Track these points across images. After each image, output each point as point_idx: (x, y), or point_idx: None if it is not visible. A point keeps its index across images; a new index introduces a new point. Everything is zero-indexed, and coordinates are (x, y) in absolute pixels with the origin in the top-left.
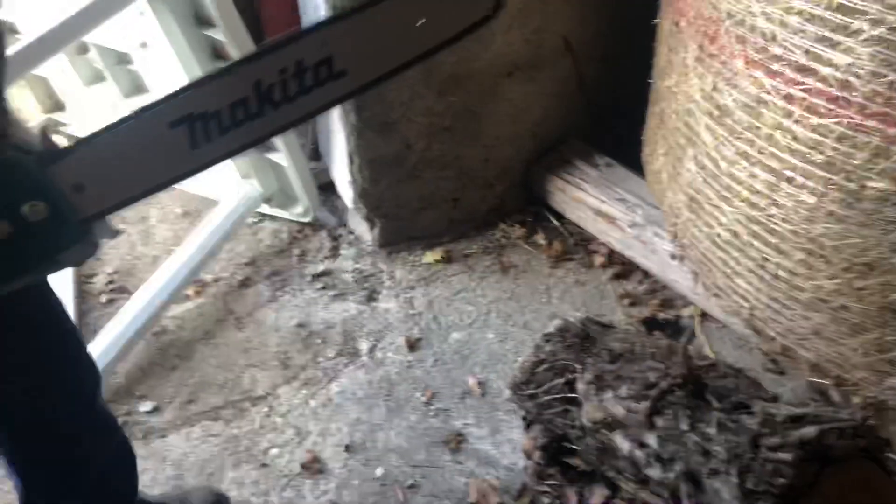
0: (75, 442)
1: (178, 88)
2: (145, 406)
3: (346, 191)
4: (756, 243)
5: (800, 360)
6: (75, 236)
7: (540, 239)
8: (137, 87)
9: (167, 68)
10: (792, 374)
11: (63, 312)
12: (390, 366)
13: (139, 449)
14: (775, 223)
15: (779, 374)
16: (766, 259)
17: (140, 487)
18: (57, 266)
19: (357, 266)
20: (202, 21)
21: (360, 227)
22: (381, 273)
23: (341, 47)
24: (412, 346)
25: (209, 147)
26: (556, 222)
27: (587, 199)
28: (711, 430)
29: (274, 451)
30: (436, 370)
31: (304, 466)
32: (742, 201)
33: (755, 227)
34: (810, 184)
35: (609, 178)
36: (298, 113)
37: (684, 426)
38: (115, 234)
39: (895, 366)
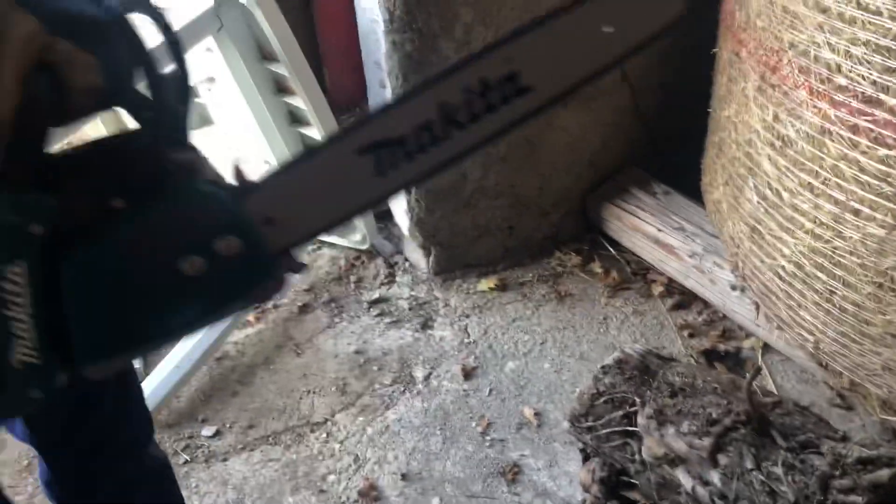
0: (125, 487)
1: (364, 116)
2: (207, 430)
3: (402, 219)
4: (821, 276)
5: (869, 397)
6: (267, 271)
7: (596, 267)
8: (203, 120)
9: (232, 101)
10: (860, 411)
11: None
12: (446, 394)
13: (201, 472)
14: (841, 255)
15: (846, 410)
16: (833, 292)
17: None
18: (247, 303)
19: (413, 293)
20: (266, 56)
21: (416, 254)
22: (437, 301)
23: (526, 62)
24: (468, 374)
25: (395, 174)
26: (612, 251)
27: (644, 228)
28: (778, 470)
29: (332, 477)
30: (491, 399)
31: (360, 494)
32: (806, 233)
33: (820, 259)
34: (878, 216)
35: (667, 206)
36: (485, 134)
37: (749, 465)
38: (302, 267)
39: None
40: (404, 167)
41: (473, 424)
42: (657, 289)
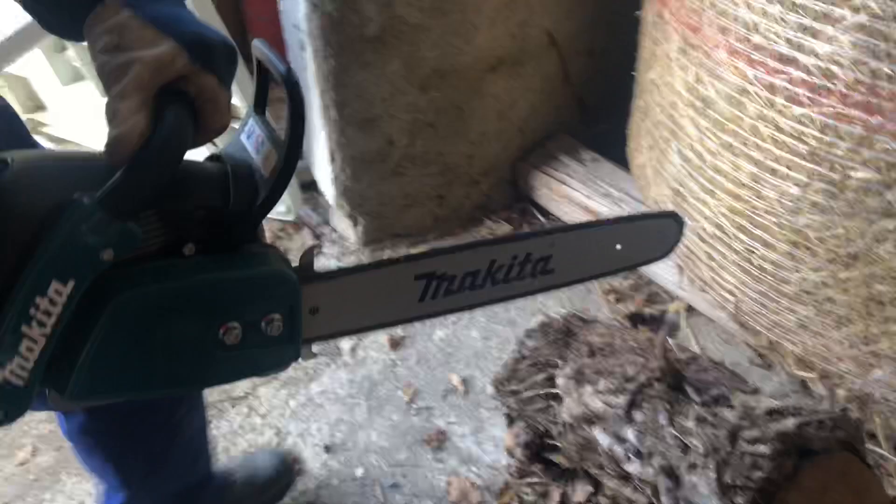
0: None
1: (434, 250)
2: None
3: (328, 188)
4: (741, 236)
5: (786, 354)
6: (293, 356)
7: None
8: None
9: None
10: (778, 369)
11: None
12: (372, 365)
13: None
14: (760, 215)
15: (765, 369)
16: (752, 251)
17: None
18: (258, 375)
19: (340, 264)
20: None
21: (343, 225)
22: None
23: (560, 251)
24: (395, 344)
25: (433, 303)
26: (542, 219)
27: (573, 195)
28: (690, 424)
29: (253, 451)
30: (419, 368)
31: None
32: (726, 194)
33: (740, 220)
34: (794, 174)
35: (595, 173)
36: (508, 293)
37: (663, 420)
38: (313, 356)
39: (880, 358)
40: (441, 299)
41: (399, 393)
42: None
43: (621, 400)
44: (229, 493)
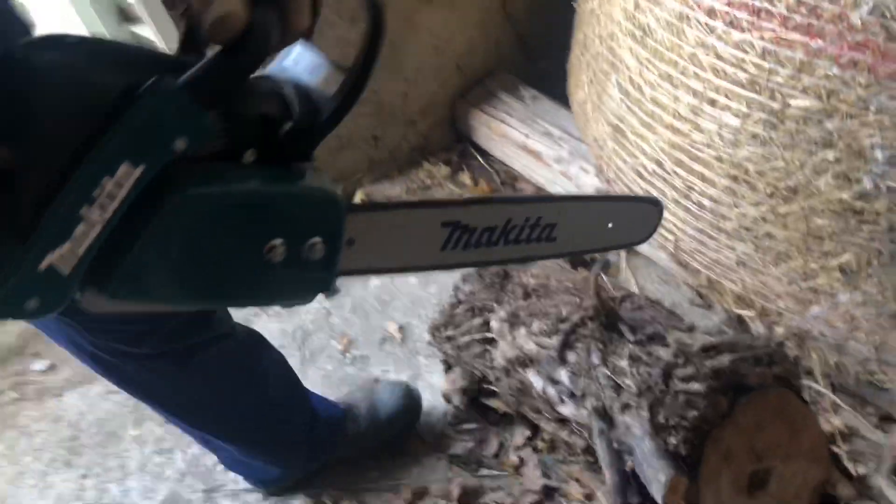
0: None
1: (465, 198)
2: (39, 365)
3: None
4: (680, 172)
5: (725, 293)
6: (323, 287)
7: (466, 178)
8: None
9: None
10: (718, 308)
11: None
12: (305, 315)
13: (31, 410)
14: (699, 149)
15: (705, 308)
16: (691, 188)
17: (35, 448)
18: (286, 304)
19: None
20: None
21: None
22: None
23: (565, 220)
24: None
25: (452, 254)
26: (482, 160)
27: (512, 135)
28: (623, 364)
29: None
30: (354, 317)
31: None
32: (666, 127)
33: (679, 155)
34: (734, 105)
35: (535, 111)
36: (515, 254)
37: (595, 360)
38: (336, 291)
39: (818, 294)
40: (459, 251)
41: (334, 343)
42: None
43: (554, 341)
44: (354, 428)
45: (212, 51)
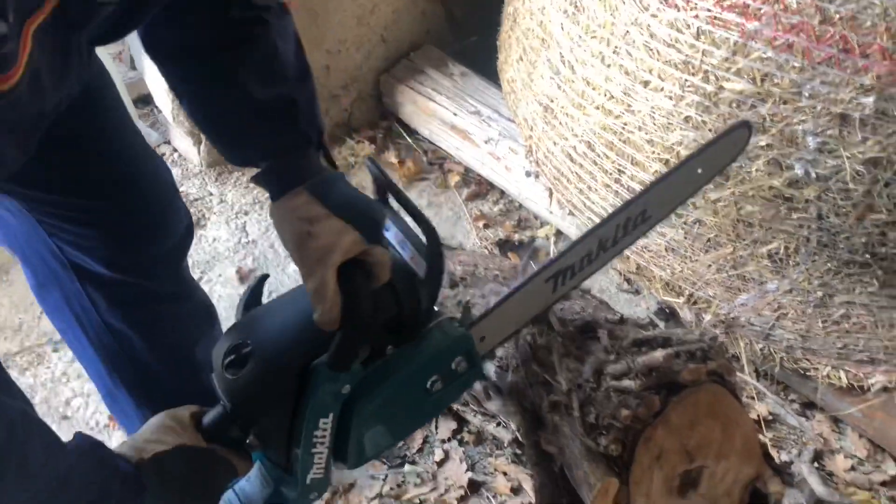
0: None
1: (556, 256)
2: None
3: (165, 104)
4: (611, 154)
5: (653, 280)
6: (478, 376)
7: (391, 157)
8: None
9: None
10: (646, 295)
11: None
12: (218, 300)
13: None
14: (630, 131)
15: (633, 294)
16: (622, 171)
17: None
18: (457, 399)
19: (182, 189)
20: None
21: (185, 143)
22: (210, 196)
23: (653, 203)
24: (244, 277)
25: (562, 287)
26: (408, 139)
27: (440, 112)
28: (553, 359)
29: (77, 401)
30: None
31: (111, 418)
32: (597, 108)
33: (610, 137)
34: (667, 86)
35: (463, 88)
36: (615, 253)
37: (524, 355)
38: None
39: (747, 281)
40: (567, 283)
41: None
42: (454, 178)
43: (468, 301)
44: None
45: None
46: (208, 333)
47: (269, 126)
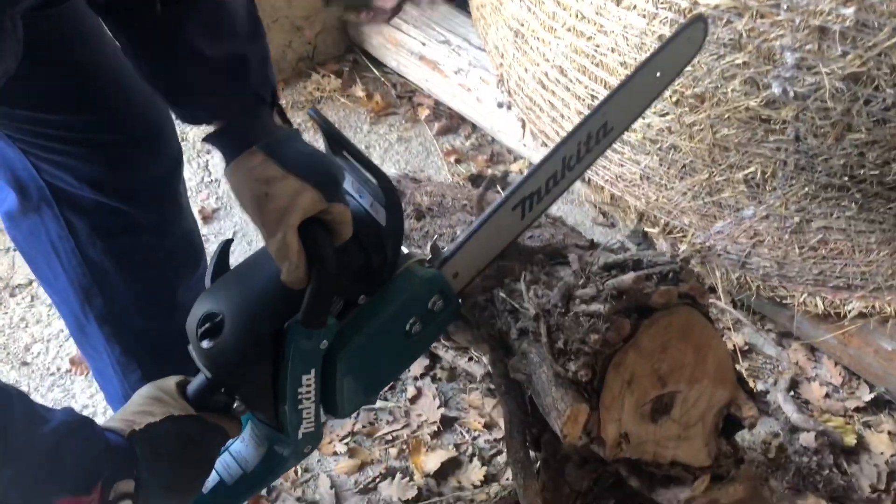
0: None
1: (518, 182)
2: None
3: None
4: (584, 79)
5: (628, 210)
6: (456, 312)
7: (359, 91)
8: None
9: None
10: (621, 227)
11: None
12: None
13: None
14: (603, 54)
15: (608, 227)
16: (595, 97)
17: None
18: (439, 337)
19: None
20: None
21: None
22: None
23: (614, 114)
24: (207, 217)
25: (530, 213)
26: (376, 71)
27: (407, 42)
28: (520, 286)
29: (37, 346)
30: (235, 243)
31: (73, 362)
32: (568, 30)
33: (582, 61)
34: (640, 3)
35: (431, 17)
36: (582, 170)
37: (491, 282)
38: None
39: (722, 208)
40: (536, 206)
41: None
42: (423, 112)
43: (435, 240)
44: None
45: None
46: (190, 275)
47: (220, 85)
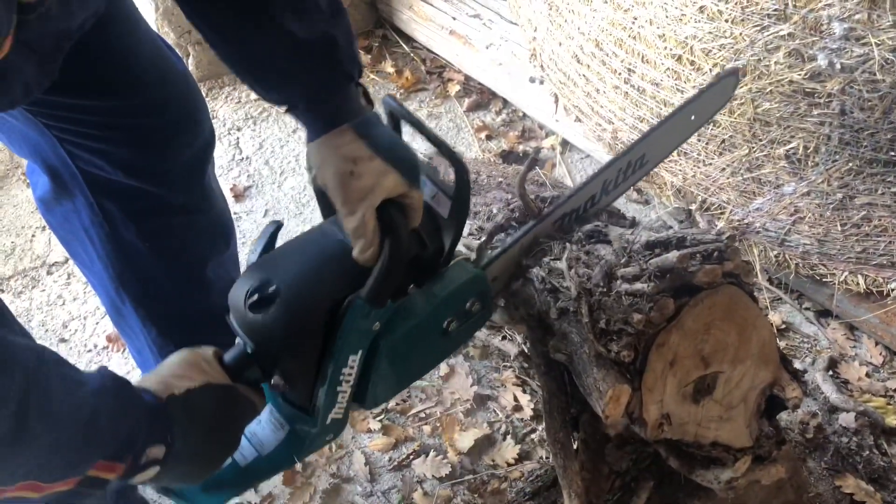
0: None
1: (561, 199)
2: None
3: (147, 9)
4: (620, 53)
5: (664, 187)
6: (490, 314)
7: (388, 67)
8: None
9: None
10: (656, 204)
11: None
12: None
13: None
14: (641, 26)
15: (643, 205)
16: (632, 71)
17: None
18: (471, 337)
19: None
20: None
21: None
22: None
23: (650, 148)
24: (239, 195)
25: (567, 226)
26: (406, 47)
27: (437, 17)
28: (561, 265)
29: (75, 323)
30: (267, 221)
31: (109, 339)
32: (605, 2)
33: (619, 34)
34: None
35: None
36: (618, 194)
37: (529, 261)
38: (499, 306)
39: (762, 185)
40: (573, 223)
41: (246, 250)
42: (454, 88)
43: (479, 243)
44: None
45: (376, 268)
46: (222, 252)
47: (311, 66)
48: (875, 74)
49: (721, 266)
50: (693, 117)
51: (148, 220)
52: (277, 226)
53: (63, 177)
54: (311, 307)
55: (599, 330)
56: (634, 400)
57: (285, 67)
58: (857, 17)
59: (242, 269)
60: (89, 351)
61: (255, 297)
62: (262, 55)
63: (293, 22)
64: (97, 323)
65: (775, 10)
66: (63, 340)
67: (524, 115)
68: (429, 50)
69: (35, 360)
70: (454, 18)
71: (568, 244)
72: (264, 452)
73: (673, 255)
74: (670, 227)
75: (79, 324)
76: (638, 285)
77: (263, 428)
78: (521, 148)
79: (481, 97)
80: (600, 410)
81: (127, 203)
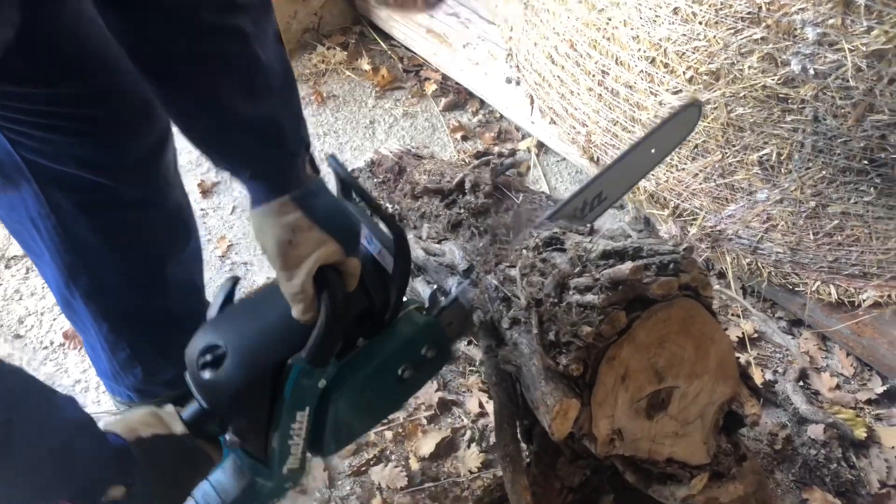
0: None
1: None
2: None
3: None
4: (594, 54)
5: (637, 191)
6: (448, 359)
7: (364, 64)
8: None
9: None
10: (630, 208)
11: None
12: None
13: None
14: (615, 27)
15: (617, 209)
16: (605, 73)
17: None
18: (429, 380)
19: None
20: None
21: None
22: None
23: (609, 185)
24: (206, 191)
25: None
26: (383, 44)
27: (415, 15)
28: (514, 272)
29: (31, 319)
30: (234, 218)
31: (66, 336)
32: (579, 2)
33: (593, 35)
34: None
35: None
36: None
37: (486, 269)
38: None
39: (736, 191)
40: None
41: (212, 247)
42: (430, 87)
43: (445, 246)
44: None
45: (315, 329)
46: (182, 250)
47: (256, 145)
48: (848, 81)
49: (677, 278)
50: (654, 150)
51: (99, 214)
52: (235, 281)
53: (5, 167)
54: (257, 367)
55: (549, 342)
56: (584, 415)
57: (231, 145)
58: (830, 21)
59: (204, 268)
60: (45, 348)
61: (206, 357)
62: (209, 132)
63: (241, 104)
64: (54, 319)
65: (749, 13)
66: (18, 336)
67: (501, 116)
68: (406, 48)
69: (17, 386)
70: (432, 17)
71: (524, 251)
72: (227, 500)
73: (626, 267)
74: (629, 237)
75: (35, 320)
76: (589, 296)
77: (227, 475)
78: (496, 149)
79: (458, 97)
80: (547, 425)
81: (77, 195)
